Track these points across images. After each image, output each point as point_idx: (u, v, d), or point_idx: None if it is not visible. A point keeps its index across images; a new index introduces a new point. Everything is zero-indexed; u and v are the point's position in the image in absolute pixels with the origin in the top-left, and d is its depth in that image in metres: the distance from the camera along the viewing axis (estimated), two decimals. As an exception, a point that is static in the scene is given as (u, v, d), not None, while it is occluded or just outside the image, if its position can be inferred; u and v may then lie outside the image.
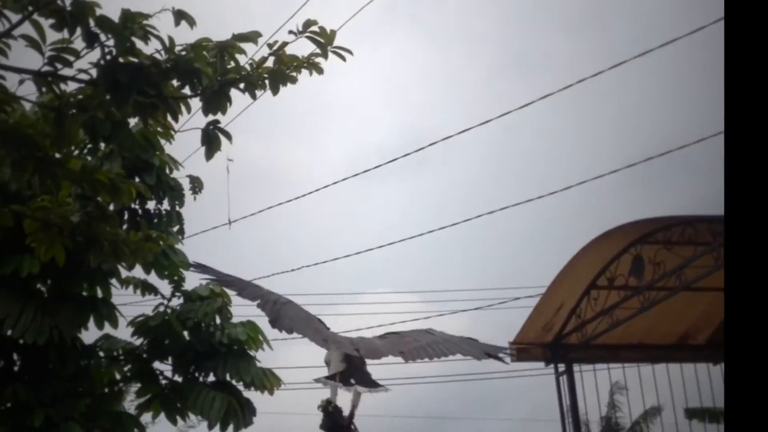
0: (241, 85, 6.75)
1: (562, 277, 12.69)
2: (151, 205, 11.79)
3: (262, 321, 11.83)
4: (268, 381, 11.40)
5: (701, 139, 13.49)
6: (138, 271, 11.10)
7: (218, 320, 11.49)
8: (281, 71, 6.74)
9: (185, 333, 11.44)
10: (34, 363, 10.85)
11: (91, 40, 6.28)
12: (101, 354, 11.54)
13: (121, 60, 6.40)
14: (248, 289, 8.25)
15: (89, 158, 10.54)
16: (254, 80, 6.72)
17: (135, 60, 6.44)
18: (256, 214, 19.17)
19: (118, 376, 11.75)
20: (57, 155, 7.10)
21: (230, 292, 10.87)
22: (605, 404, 32.32)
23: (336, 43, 6.76)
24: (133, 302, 12.75)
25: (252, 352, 11.59)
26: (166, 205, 11.89)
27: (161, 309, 11.55)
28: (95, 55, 6.39)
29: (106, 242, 7.59)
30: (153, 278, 11.49)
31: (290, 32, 6.67)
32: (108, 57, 6.36)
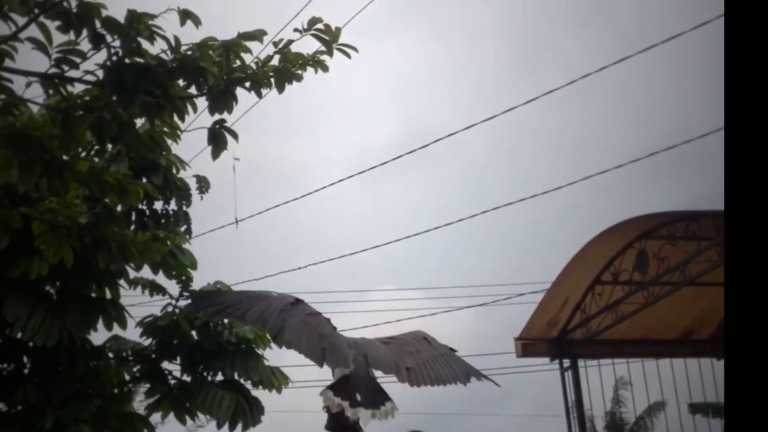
0: (247, 84, 6.79)
1: (567, 272, 12.71)
2: (158, 205, 11.81)
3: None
4: (276, 379, 11.43)
5: (705, 134, 13.56)
6: (146, 272, 11.14)
7: (226, 320, 11.51)
8: (287, 69, 6.78)
9: (193, 333, 11.46)
10: (44, 365, 10.88)
11: (98, 42, 6.33)
12: (110, 355, 11.57)
13: (127, 61, 6.44)
14: (251, 312, 7.91)
15: (96, 160, 10.57)
16: (260, 79, 6.77)
17: (141, 60, 6.49)
18: (263, 213, 19.22)
19: (127, 377, 11.78)
20: (64, 157, 7.15)
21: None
22: (610, 400, 32.37)
23: (341, 40, 6.81)
24: (141, 303, 12.80)
25: (260, 351, 11.62)
26: (173, 205, 11.91)
27: (169, 309, 11.57)
28: (101, 56, 6.45)
29: (114, 243, 7.64)
30: (161, 279, 11.53)
31: (295, 30, 6.72)
32: (114, 58, 6.41)
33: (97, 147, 10.66)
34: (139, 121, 7.73)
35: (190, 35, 6.56)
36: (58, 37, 6.37)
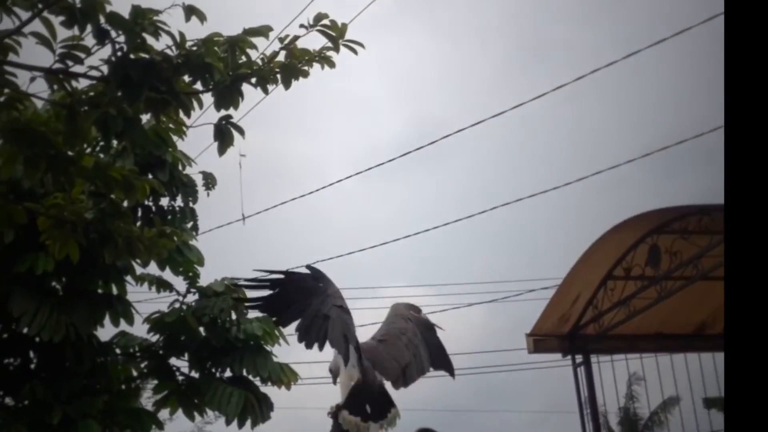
0: (253, 80, 6.75)
1: (579, 267, 12.64)
2: (164, 201, 11.79)
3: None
4: (285, 376, 11.37)
5: (716, 128, 13.44)
6: (153, 268, 11.10)
7: (234, 315, 11.46)
8: (293, 65, 6.73)
9: (201, 329, 11.41)
10: (51, 360, 10.86)
11: (102, 37, 6.29)
12: (117, 351, 11.53)
13: (132, 56, 6.41)
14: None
15: (101, 156, 10.53)
16: (266, 75, 6.72)
17: (146, 56, 6.46)
18: (270, 210, 19.14)
19: (134, 373, 11.74)
20: (69, 153, 7.10)
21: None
22: (623, 395, 32.32)
23: (347, 36, 6.74)
24: (148, 299, 12.78)
25: (268, 347, 11.56)
26: (179, 201, 11.88)
27: (177, 305, 11.53)
28: (106, 51, 6.41)
29: (121, 239, 7.60)
30: (168, 275, 11.49)
31: (301, 26, 6.67)
32: (119, 53, 6.37)
33: (102, 143, 10.61)
34: (145, 117, 7.69)
35: (195, 31, 6.52)
36: (62, 33, 6.34)
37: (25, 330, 10.12)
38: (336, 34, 6.67)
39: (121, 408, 11.15)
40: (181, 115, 7.00)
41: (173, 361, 11.74)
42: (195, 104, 6.83)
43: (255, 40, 6.65)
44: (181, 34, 6.47)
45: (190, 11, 6.39)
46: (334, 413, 6.57)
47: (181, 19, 6.40)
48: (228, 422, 10.99)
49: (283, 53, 6.73)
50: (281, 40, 6.73)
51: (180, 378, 11.65)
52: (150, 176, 10.79)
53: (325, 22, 6.64)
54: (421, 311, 7.86)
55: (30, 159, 6.82)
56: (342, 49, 6.76)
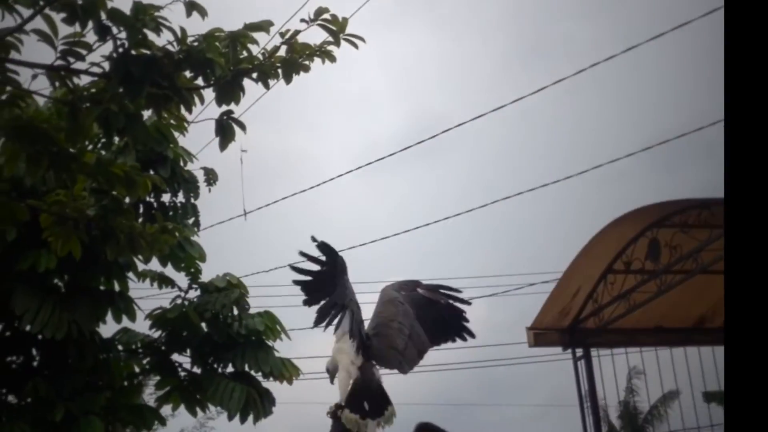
0: (254, 75, 6.76)
1: (579, 261, 12.64)
2: (166, 197, 11.81)
3: (280, 312, 11.89)
4: (287, 371, 11.38)
5: (716, 122, 13.46)
6: (154, 264, 11.12)
7: (236, 311, 11.47)
8: (294, 60, 6.75)
9: (203, 325, 11.42)
10: (53, 358, 10.87)
11: (103, 33, 6.30)
12: (120, 347, 11.55)
13: (133, 52, 6.43)
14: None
15: (103, 152, 10.54)
16: (267, 69, 6.74)
17: (147, 52, 6.48)
18: (271, 205, 19.14)
19: (137, 369, 11.75)
20: (71, 150, 7.11)
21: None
22: (623, 389, 32.32)
23: (348, 31, 6.76)
24: (150, 295, 12.79)
25: (270, 343, 11.57)
26: (181, 197, 11.91)
27: (178, 301, 11.55)
28: (107, 48, 6.43)
29: (123, 235, 7.61)
30: (169, 271, 11.51)
31: (302, 20, 6.69)
32: (120, 49, 6.39)
33: (103, 140, 10.63)
34: (146, 114, 7.70)
35: (196, 26, 6.53)
36: (64, 29, 6.36)
37: (28, 327, 10.13)
38: (337, 28, 6.69)
39: (124, 404, 11.17)
40: (183, 110, 7.01)
41: (175, 357, 11.77)
42: (196, 100, 6.85)
43: (256, 35, 6.67)
44: (182, 30, 6.49)
45: (191, 7, 6.41)
46: (334, 412, 6.58)
47: (182, 14, 6.43)
48: (230, 418, 11.01)
49: (284, 48, 6.75)
50: (282, 34, 6.75)
51: (182, 374, 11.67)
52: (151, 172, 10.79)
53: (326, 16, 6.66)
54: (419, 285, 7.79)
55: (32, 156, 6.84)
56: (342, 43, 6.78)
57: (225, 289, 11.44)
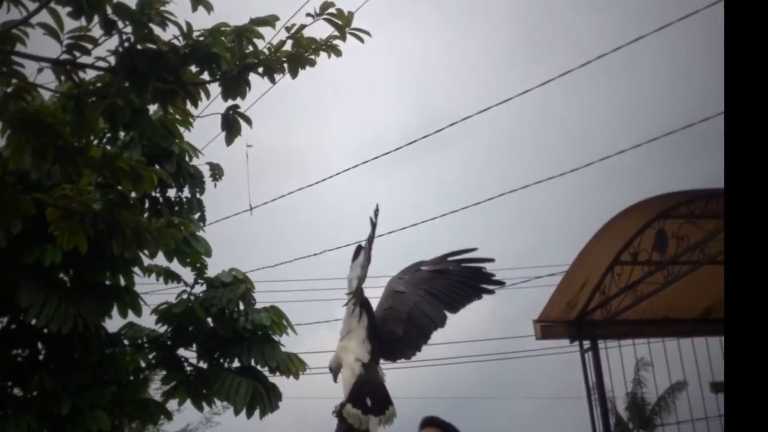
0: (260, 70, 6.74)
1: (586, 253, 12.61)
2: (171, 193, 11.81)
3: (286, 306, 11.89)
4: (293, 365, 11.38)
5: (723, 112, 13.41)
6: (160, 259, 11.13)
7: (242, 306, 11.48)
8: (300, 54, 6.72)
9: (209, 320, 11.43)
10: (59, 352, 10.90)
11: (109, 28, 6.28)
12: (126, 342, 11.57)
13: (139, 47, 6.40)
14: None
15: (108, 147, 10.52)
16: (273, 64, 6.70)
17: (153, 46, 6.45)
18: (277, 200, 19.13)
19: (143, 364, 11.78)
20: (77, 144, 7.10)
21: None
22: (631, 380, 32.32)
23: (353, 25, 6.73)
24: (156, 290, 12.81)
25: (276, 337, 11.57)
26: (186, 192, 11.89)
27: (184, 296, 11.55)
28: (113, 42, 6.40)
29: (129, 229, 7.59)
30: (175, 266, 11.51)
31: (308, 15, 6.65)
32: (126, 44, 6.37)
33: (109, 135, 10.61)
34: (152, 108, 7.69)
35: (201, 21, 6.51)
36: (70, 23, 6.33)
37: (33, 321, 10.16)
38: (342, 22, 6.65)
39: (130, 399, 11.20)
40: (189, 105, 6.99)
41: (181, 351, 11.79)
42: (202, 94, 6.83)
43: (262, 29, 6.64)
44: (188, 25, 6.47)
45: (197, 1, 6.40)
46: (339, 412, 6.55)
47: (187, 9, 6.41)
48: (237, 412, 11.02)
49: (289, 42, 6.72)
50: (288, 29, 6.72)
51: (188, 369, 11.68)
52: (157, 167, 10.78)
53: (332, 10, 6.62)
54: (423, 264, 7.72)
55: (38, 149, 6.82)
56: (348, 37, 6.75)
57: (231, 284, 11.44)
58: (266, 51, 6.73)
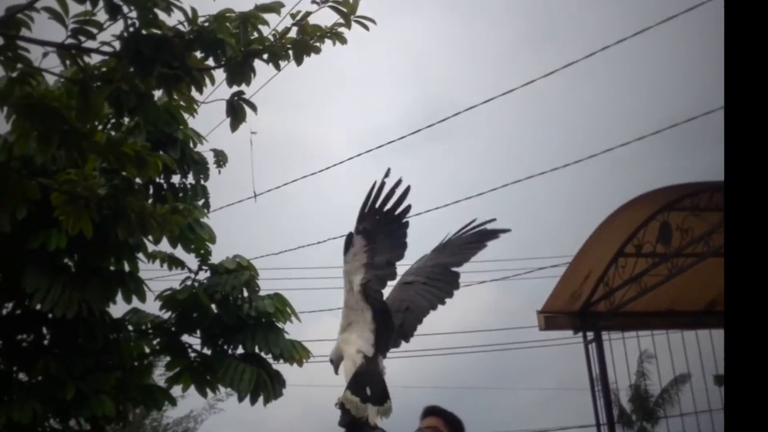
0: (265, 56, 6.74)
1: (590, 245, 12.61)
2: (176, 179, 11.81)
3: (290, 294, 11.91)
4: (297, 353, 11.38)
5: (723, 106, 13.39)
6: (164, 246, 11.14)
7: (246, 293, 11.48)
8: (305, 41, 6.72)
9: (213, 306, 11.44)
10: (64, 337, 10.92)
11: (114, 12, 6.28)
12: (130, 328, 11.59)
13: (144, 32, 6.40)
14: None
15: (113, 133, 10.54)
16: (278, 51, 6.71)
17: (158, 32, 6.45)
18: (281, 187, 19.14)
19: (147, 350, 11.78)
20: (82, 129, 7.10)
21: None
22: (634, 372, 32.36)
23: (359, 12, 6.73)
24: (160, 276, 12.82)
25: (280, 324, 11.58)
26: (190, 179, 11.90)
27: (188, 282, 11.57)
28: (118, 27, 6.40)
29: (134, 215, 7.59)
30: (179, 252, 11.52)
31: (313, 2, 6.65)
32: (131, 29, 6.37)
33: (114, 120, 10.63)
34: (157, 94, 7.69)
35: (207, 7, 6.52)
36: (75, 8, 6.32)
37: (38, 306, 10.17)
38: (347, 10, 6.66)
39: (134, 384, 11.22)
40: (193, 91, 7.00)
41: (185, 338, 11.80)
42: (207, 80, 6.84)
43: (267, 16, 6.64)
44: (193, 10, 6.47)
45: (203, -14, 6.40)
46: (341, 403, 6.55)
47: (192, -6, 6.41)
48: (240, 399, 11.04)
49: (294, 29, 6.73)
50: (293, 16, 6.72)
51: (192, 355, 11.69)
52: (161, 153, 10.79)
53: (337, -3, 6.63)
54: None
55: (43, 134, 6.83)
56: (353, 25, 6.75)
57: (235, 270, 11.45)
58: (271, 37, 6.74)
